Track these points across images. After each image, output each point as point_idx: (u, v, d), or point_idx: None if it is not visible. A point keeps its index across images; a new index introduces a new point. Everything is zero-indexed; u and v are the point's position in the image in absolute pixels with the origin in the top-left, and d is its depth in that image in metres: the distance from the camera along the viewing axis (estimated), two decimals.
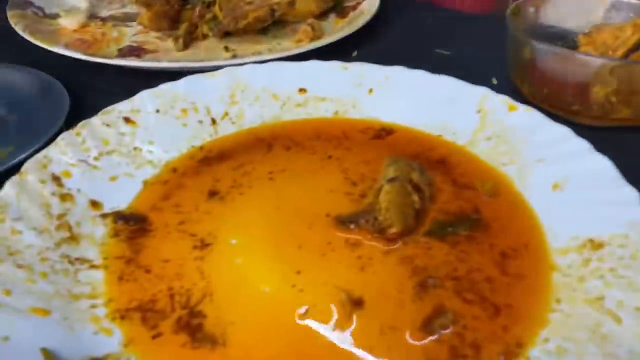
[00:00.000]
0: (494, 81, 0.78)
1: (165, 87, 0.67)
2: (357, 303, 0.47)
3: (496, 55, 0.79)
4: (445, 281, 0.48)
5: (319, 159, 0.62)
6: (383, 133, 0.66)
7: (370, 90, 0.70)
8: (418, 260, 0.50)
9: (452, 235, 0.53)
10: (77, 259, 0.50)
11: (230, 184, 0.59)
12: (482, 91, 0.66)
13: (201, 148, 0.64)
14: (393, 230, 0.52)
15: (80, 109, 0.69)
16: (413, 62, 0.71)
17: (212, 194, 0.58)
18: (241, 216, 0.55)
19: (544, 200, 0.56)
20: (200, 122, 0.66)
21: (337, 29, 0.88)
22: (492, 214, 0.55)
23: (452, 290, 0.48)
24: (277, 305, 0.47)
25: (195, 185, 0.59)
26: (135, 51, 0.84)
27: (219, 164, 0.62)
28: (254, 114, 0.66)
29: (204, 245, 0.52)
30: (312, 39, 0.84)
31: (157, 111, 0.65)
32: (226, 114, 0.67)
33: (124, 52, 0.84)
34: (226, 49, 0.83)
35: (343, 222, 0.53)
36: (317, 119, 0.69)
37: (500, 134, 0.61)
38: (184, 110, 0.66)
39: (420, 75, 0.69)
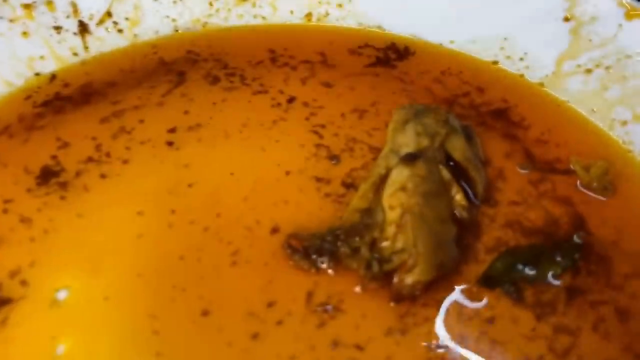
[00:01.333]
0: None
1: None
2: None
3: None
4: None
5: (269, 103, 0.33)
6: (393, 56, 0.36)
7: None
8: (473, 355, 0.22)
9: (536, 284, 0.25)
10: None
11: (86, 155, 0.30)
12: None
13: (53, 78, 0.34)
14: (413, 278, 0.23)
15: None
16: None
17: (47, 175, 0.29)
18: (91, 232, 0.26)
19: None
20: (58, 29, 0.36)
21: None
22: (611, 232, 0.27)
23: None
24: None
25: (21, 155, 0.30)
26: None
27: (78, 111, 0.32)
28: (159, 17, 0.36)
29: None
30: None
31: None
32: (108, 15, 0.37)
33: None
34: None
35: (306, 249, 0.25)
36: (274, 27, 0.39)
37: (611, 64, 0.32)
38: (28, 7, 0.36)
39: None
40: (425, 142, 0.27)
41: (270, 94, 0.34)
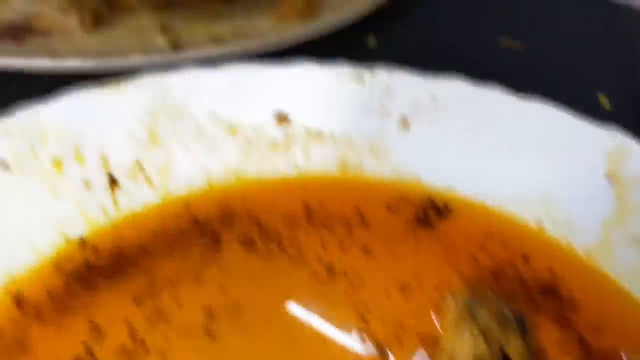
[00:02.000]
0: (605, 103, 0.46)
1: (26, 115, 0.36)
2: None
3: (607, 51, 0.48)
4: None
5: (307, 272, 0.32)
6: (432, 213, 0.35)
7: (404, 123, 0.39)
8: None
9: None
10: None
11: (119, 342, 0.28)
12: (616, 138, 0.35)
13: (82, 242, 0.33)
14: None
15: None
16: (466, 59, 0.41)
17: None
18: None
19: None
20: (87, 184, 0.35)
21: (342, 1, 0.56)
22: None
23: None
24: None
25: (52, 344, 0.28)
26: (20, 32, 0.52)
27: (110, 286, 0.31)
28: (192, 167, 0.35)
29: None
30: (303, 15, 0.53)
31: (5, 166, 0.34)
32: (138, 166, 0.36)
33: None
34: (163, 30, 0.51)
35: None
36: (307, 178, 0.38)
37: None
38: (57, 162, 0.35)
39: (496, 101, 0.38)
40: (482, 346, 0.26)
41: (307, 261, 0.32)
